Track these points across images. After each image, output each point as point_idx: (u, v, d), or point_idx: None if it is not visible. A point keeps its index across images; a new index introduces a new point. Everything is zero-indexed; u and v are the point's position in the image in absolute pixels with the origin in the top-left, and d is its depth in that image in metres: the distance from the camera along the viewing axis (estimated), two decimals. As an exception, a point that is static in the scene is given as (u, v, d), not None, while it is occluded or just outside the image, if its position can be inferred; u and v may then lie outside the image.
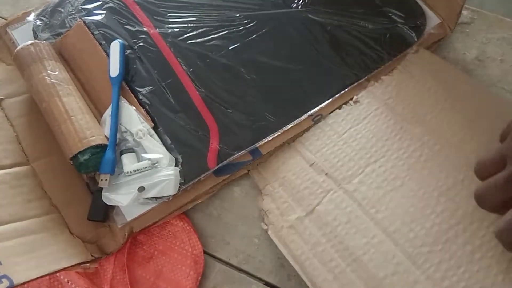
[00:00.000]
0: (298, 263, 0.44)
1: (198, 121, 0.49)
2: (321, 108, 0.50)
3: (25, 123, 0.50)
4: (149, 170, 0.46)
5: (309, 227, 0.45)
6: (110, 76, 0.50)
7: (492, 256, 0.41)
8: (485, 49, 0.53)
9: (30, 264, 0.40)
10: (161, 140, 0.48)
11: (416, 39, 0.53)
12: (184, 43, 0.53)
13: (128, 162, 0.46)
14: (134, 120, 0.48)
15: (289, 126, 0.49)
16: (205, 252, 0.46)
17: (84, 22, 0.54)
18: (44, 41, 0.52)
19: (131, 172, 0.46)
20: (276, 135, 0.48)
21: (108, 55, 0.51)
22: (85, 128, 0.46)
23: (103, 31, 0.53)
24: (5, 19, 0.57)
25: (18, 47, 0.50)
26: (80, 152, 0.45)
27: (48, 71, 0.49)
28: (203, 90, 0.50)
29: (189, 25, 0.54)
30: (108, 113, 0.48)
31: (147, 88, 0.50)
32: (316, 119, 0.49)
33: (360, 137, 0.49)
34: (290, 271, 0.45)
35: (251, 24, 0.54)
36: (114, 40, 0.52)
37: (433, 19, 0.53)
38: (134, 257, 0.47)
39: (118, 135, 0.47)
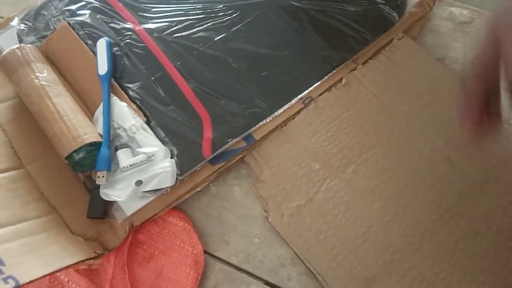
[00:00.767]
0: (301, 250, 0.45)
1: (190, 113, 0.49)
2: (311, 91, 0.50)
3: (16, 127, 0.50)
4: (145, 163, 0.46)
5: (310, 215, 0.46)
6: (98, 74, 0.50)
7: (472, 246, 0.44)
8: None
9: (34, 264, 0.40)
10: (155, 133, 0.48)
11: (398, 19, 0.54)
12: (170, 37, 0.53)
13: (124, 157, 0.46)
14: (126, 115, 0.48)
15: (281, 110, 0.49)
16: (205, 252, 0.46)
17: (69, 23, 0.54)
18: (30, 45, 0.52)
19: (127, 167, 0.46)
20: (268, 120, 0.49)
21: (95, 54, 0.51)
22: (78, 127, 0.46)
23: (88, 30, 0.53)
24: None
25: (4, 52, 0.50)
26: (75, 151, 0.45)
27: (36, 74, 0.49)
28: (193, 81, 0.51)
29: (174, 19, 0.54)
30: (99, 111, 0.48)
31: (137, 84, 0.51)
32: (306, 102, 0.50)
33: (352, 123, 0.49)
34: (290, 271, 0.45)
35: (235, 14, 0.54)
36: (100, 38, 0.52)
37: (413, -2, 0.55)
38: (135, 256, 0.47)
39: (112, 132, 0.48)
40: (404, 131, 0.49)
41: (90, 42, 0.53)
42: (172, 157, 0.47)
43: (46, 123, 0.47)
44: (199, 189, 0.48)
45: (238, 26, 0.54)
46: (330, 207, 0.46)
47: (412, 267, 0.43)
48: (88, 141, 0.45)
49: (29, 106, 0.48)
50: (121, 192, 0.45)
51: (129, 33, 0.53)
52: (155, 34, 0.53)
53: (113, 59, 0.51)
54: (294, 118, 0.50)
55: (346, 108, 0.50)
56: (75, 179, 0.48)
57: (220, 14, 0.54)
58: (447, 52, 0.53)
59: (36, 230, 0.43)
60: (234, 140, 0.48)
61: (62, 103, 0.48)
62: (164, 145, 0.47)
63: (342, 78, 0.51)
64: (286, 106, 0.49)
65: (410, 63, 0.52)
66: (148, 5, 0.55)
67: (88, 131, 0.46)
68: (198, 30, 0.53)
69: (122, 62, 0.52)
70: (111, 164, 0.46)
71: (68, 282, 0.45)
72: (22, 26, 0.55)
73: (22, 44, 0.51)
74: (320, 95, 0.51)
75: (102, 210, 0.46)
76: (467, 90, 0.33)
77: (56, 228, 0.45)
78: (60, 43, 0.53)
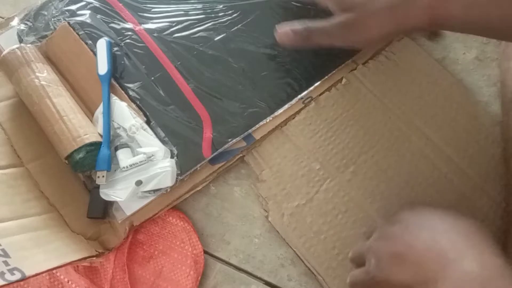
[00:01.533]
0: (301, 250, 0.45)
1: (190, 112, 0.49)
2: (311, 90, 0.50)
3: (16, 126, 0.50)
4: (145, 163, 0.46)
5: (310, 215, 0.46)
6: (98, 74, 0.50)
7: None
8: (485, 49, 0.53)
9: (39, 258, 0.40)
10: (155, 133, 0.48)
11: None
12: (170, 37, 0.53)
13: (124, 157, 0.46)
14: (126, 115, 0.48)
15: (281, 110, 0.49)
16: (205, 252, 0.47)
17: (69, 23, 0.54)
18: (30, 45, 0.52)
19: (127, 167, 0.46)
20: (268, 120, 0.49)
21: (95, 54, 0.51)
22: (78, 127, 0.46)
23: (88, 30, 0.53)
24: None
25: (4, 52, 0.50)
26: (75, 151, 0.45)
27: (36, 73, 0.49)
28: (193, 81, 0.51)
29: (174, 19, 0.54)
30: (99, 111, 0.48)
31: (137, 84, 0.51)
32: (307, 102, 0.50)
33: (352, 123, 0.49)
34: (290, 271, 0.45)
35: (236, 14, 0.54)
36: (100, 38, 0.52)
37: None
38: (134, 256, 0.47)
39: (111, 132, 0.48)
40: (404, 131, 0.49)
41: (90, 42, 0.53)
42: (172, 157, 0.47)
43: (46, 123, 0.47)
44: (199, 189, 0.48)
45: (238, 26, 0.54)
46: (330, 207, 0.46)
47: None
48: (88, 141, 0.45)
49: (29, 106, 0.48)
50: (121, 192, 0.45)
51: (129, 33, 0.53)
52: (155, 34, 0.53)
53: (113, 59, 0.51)
54: (294, 118, 0.50)
55: (346, 108, 0.50)
56: (75, 179, 0.48)
57: (220, 14, 0.54)
58: (447, 53, 0.53)
59: (38, 226, 0.43)
60: (234, 140, 0.48)
61: (62, 103, 0.48)
62: (164, 145, 0.47)
63: (342, 78, 0.51)
64: (286, 106, 0.49)
65: (410, 63, 0.52)
66: (148, 5, 0.55)
67: (88, 131, 0.46)
68: (198, 30, 0.53)
69: (122, 62, 0.52)
70: (111, 164, 0.46)
71: (68, 282, 0.45)
72: (22, 26, 0.55)
73: (22, 44, 0.51)
74: (320, 95, 0.51)
75: (102, 210, 0.46)
76: None
77: (57, 226, 0.45)
78: (60, 43, 0.53)
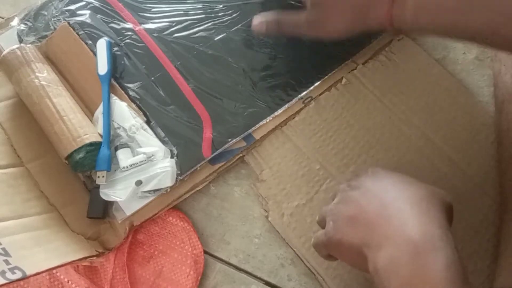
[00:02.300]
0: (301, 250, 0.45)
1: (190, 112, 0.49)
2: (311, 90, 0.50)
3: (16, 126, 0.50)
4: (145, 163, 0.46)
5: (310, 215, 0.46)
6: (98, 74, 0.50)
7: (471, 246, 0.44)
8: (485, 49, 0.53)
9: (39, 257, 0.40)
10: (155, 133, 0.48)
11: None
12: (170, 37, 0.53)
13: (124, 157, 0.46)
14: (126, 115, 0.48)
15: (281, 110, 0.49)
16: (205, 252, 0.46)
17: (69, 23, 0.54)
18: (30, 45, 0.52)
19: (127, 167, 0.46)
20: (268, 120, 0.49)
21: (95, 54, 0.51)
22: (78, 127, 0.46)
23: (88, 30, 0.53)
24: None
25: (4, 52, 0.50)
26: (75, 151, 0.45)
27: (36, 74, 0.49)
28: (193, 81, 0.51)
29: (174, 19, 0.54)
30: (99, 111, 0.48)
31: (137, 84, 0.51)
32: (307, 102, 0.50)
33: (352, 123, 0.49)
34: (290, 271, 0.45)
35: (235, 14, 0.54)
36: (100, 38, 0.52)
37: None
38: (134, 256, 0.47)
39: (111, 132, 0.48)
40: (404, 131, 0.49)
41: (90, 42, 0.53)
42: (172, 157, 0.47)
43: (46, 123, 0.47)
44: (199, 189, 0.48)
45: (238, 26, 0.54)
46: (330, 207, 0.46)
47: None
48: (88, 141, 0.45)
49: (29, 106, 0.48)
50: (121, 192, 0.45)
51: (129, 33, 0.53)
52: (155, 34, 0.53)
53: (113, 59, 0.51)
54: (294, 118, 0.50)
55: (346, 108, 0.50)
56: (75, 179, 0.48)
57: (220, 14, 0.54)
58: (447, 53, 0.53)
59: (38, 225, 0.43)
60: (234, 140, 0.48)
61: (62, 103, 0.48)
62: (164, 145, 0.47)
63: (342, 78, 0.51)
64: (286, 106, 0.49)
65: (410, 63, 0.52)
66: (148, 5, 0.55)
67: (88, 131, 0.46)
68: (198, 30, 0.53)
69: (122, 62, 0.52)
70: (111, 164, 0.46)
71: (68, 282, 0.45)
72: (22, 26, 0.55)
73: (22, 44, 0.51)
74: (320, 95, 0.51)
75: (102, 210, 0.46)
76: None
77: (57, 225, 0.45)
78: (60, 43, 0.53)
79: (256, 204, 0.48)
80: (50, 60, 0.53)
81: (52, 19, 0.55)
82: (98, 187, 0.46)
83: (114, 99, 0.49)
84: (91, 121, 0.49)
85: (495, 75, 0.51)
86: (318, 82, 0.51)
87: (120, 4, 0.55)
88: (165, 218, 0.47)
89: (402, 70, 0.52)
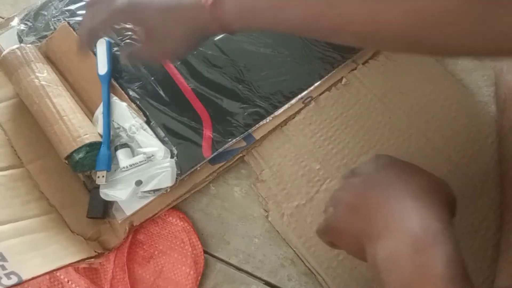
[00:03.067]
0: (301, 250, 0.44)
1: (190, 112, 0.49)
2: (311, 90, 0.50)
3: (16, 127, 0.50)
4: (145, 163, 0.46)
5: (310, 215, 0.46)
6: (98, 74, 0.50)
7: (471, 246, 0.44)
8: None
9: (36, 261, 0.40)
10: (155, 133, 0.48)
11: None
12: (170, 37, 0.53)
13: (124, 157, 0.46)
14: (126, 115, 0.48)
15: (281, 110, 0.49)
16: (205, 252, 0.46)
17: (69, 23, 0.54)
18: (30, 45, 0.52)
19: (127, 167, 0.46)
20: (268, 120, 0.49)
21: (95, 54, 0.51)
22: (78, 127, 0.46)
23: (88, 31, 0.53)
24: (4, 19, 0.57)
25: (4, 52, 0.50)
26: (75, 151, 0.45)
27: (36, 74, 0.49)
28: (193, 81, 0.51)
29: (174, 19, 0.54)
30: (99, 111, 0.48)
31: (137, 84, 0.51)
32: (307, 101, 0.50)
33: (352, 123, 0.49)
34: (290, 271, 0.45)
35: (235, 14, 0.54)
36: (100, 38, 0.52)
37: None
38: (134, 256, 0.47)
39: (111, 132, 0.48)
40: (404, 131, 0.49)
41: (90, 42, 0.53)
42: (172, 157, 0.47)
43: (46, 123, 0.47)
44: (199, 189, 0.48)
45: (238, 26, 0.53)
46: (330, 207, 0.46)
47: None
48: (88, 141, 0.45)
49: (29, 106, 0.48)
50: (121, 192, 0.45)
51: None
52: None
53: (113, 59, 0.51)
54: (294, 117, 0.50)
55: (346, 108, 0.50)
56: (75, 179, 0.48)
57: (220, 14, 0.54)
58: (447, 52, 0.53)
59: (36, 228, 0.43)
60: (234, 140, 0.48)
61: (62, 103, 0.48)
62: (164, 145, 0.47)
63: (342, 78, 0.51)
64: (286, 106, 0.49)
65: (410, 63, 0.52)
66: (148, 5, 0.55)
67: (88, 131, 0.46)
68: (198, 30, 0.53)
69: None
70: (111, 164, 0.46)
71: (68, 282, 0.45)
72: (22, 26, 0.55)
73: (22, 44, 0.51)
74: (320, 94, 0.51)
75: (101, 210, 0.46)
76: None
77: (56, 227, 0.45)
78: (60, 43, 0.53)
79: (256, 204, 0.48)
80: (50, 60, 0.53)
81: (52, 19, 0.55)
82: (98, 187, 0.46)
83: (114, 99, 0.49)
84: (91, 121, 0.49)
85: (496, 74, 0.51)
86: (318, 82, 0.51)
87: (120, 4, 0.55)
88: (165, 218, 0.47)
89: (402, 70, 0.52)
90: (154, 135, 0.48)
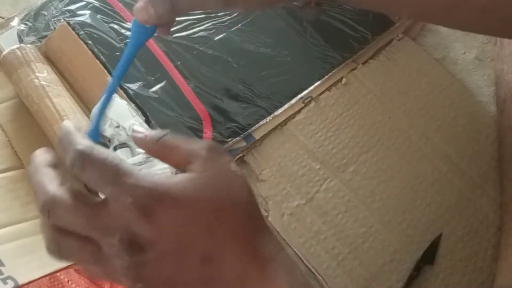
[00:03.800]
0: (301, 250, 0.44)
1: (190, 112, 0.49)
2: (311, 90, 0.50)
3: (17, 128, 0.50)
4: (145, 164, 0.46)
5: (310, 215, 0.46)
6: None
7: (471, 246, 0.44)
8: (485, 49, 0.53)
9: (33, 265, 0.40)
10: (155, 133, 0.48)
11: (398, 18, 0.53)
12: (170, 37, 0.53)
13: (123, 157, 0.46)
14: (126, 114, 0.48)
15: (281, 110, 0.49)
16: (205, 251, 0.46)
17: (68, 23, 0.54)
18: (30, 45, 0.52)
19: (127, 167, 0.46)
20: (268, 119, 0.49)
21: (95, 54, 0.51)
22: (77, 127, 0.46)
23: (88, 31, 0.53)
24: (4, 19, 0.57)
25: (4, 52, 0.50)
26: (74, 151, 0.45)
27: (36, 74, 0.48)
28: (193, 81, 0.51)
29: (174, 19, 0.54)
30: (97, 107, 0.48)
31: (137, 84, 0.51)
32: (307, 101, 0.50)
33: (352, 123, 0.49)
34: (289, 272, 0.45)
35: (235, 14, 0.54)
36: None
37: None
38: (135, 256, 0.46)
39: (111, 131, 0.47)
40: (404, 131, 0.49)
41: (90, 42, 0.53)
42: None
43: (46, 123, 0.47)
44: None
45: (238, 26, 0.54)
46: (330, 207, 0.46)
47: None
48: (88, 141, 0.45)
49: (29, 106, 0.48)
50: (121, 192, 0.45)
51: (129, 33, 0.53)
52: (155, 34, 0.53)
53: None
54: (294, 117, 0.50)
55: (346, 108, 0.50)
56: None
57: (220, 14, 0.54)
58: (447, 53, 0.53)
59: (35, 230, 0.43)
60: (234, 140, 0.48)
61: (62, 103, 0.47)
62: (164, 145, 0.47)
63: (342, 77, 0.51)
64: (286, 106, 0.49)
65: (410, 63, 0.52)
66: (148, 5, 0.55)
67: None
68: (198, 30, 0.53)
69: (122, 62, 0.52)
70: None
71: (68, 282, 0.45)
72: (22, 26, 0.55)
73: (22, 44, 0.51)
74: (320, 94, 0.51)
75: (102, 210, 0.46)
76: None
77: (56, 228, 0.45)
78: (59, 43, 0.53)
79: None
80: (50, 60, 0.53)
81: (52, 19, 0.55)
82: (98, 187, 0.46)
83: (114, 97, 0.49)
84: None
85: (496, 74, 0.51)
86: (318, 82, 0.51)
87: (120, 4, 0.55)
88: (165, 218, 0.47)
89: (402, 70, 0.52)
90: (154, 135, 0.48)
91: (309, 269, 0.44)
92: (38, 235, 0.43)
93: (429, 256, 0.43)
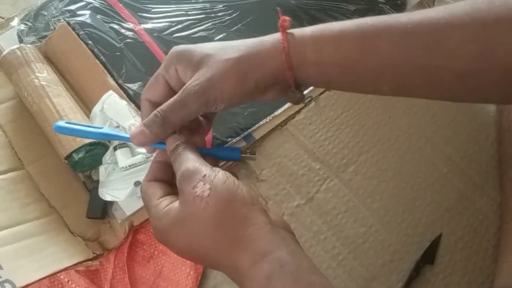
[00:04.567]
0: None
1: (190, 112, 0.49)
2: (311, 90, 0.50)
3: (17, 128, 0.50)
4: (144, 164, 0.46)
5: (310, 215, 0.46)
6: None
7: (471, 246, 0.44)
8: None
9: (32, 267, 0.40)
10: (155, 133, 0.48)
11: (398, 18, 0.53)
12: (170, 37, 0.53)
13: (123, 157, 0.46)
14: (126, 114, 0.48)
15: (281, 110, 0.49)
16: (205, 252, 0.46)
17: (68, 23, 0.54)
18: (30, 45, 0.52)
19: (126, 167, 0.46)
20: (268, 119, 0.49)
21: (95, 54, 0.51)
22: (77, 127, 0.46)
23: (88, 31, 0.53)
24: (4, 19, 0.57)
25: (4, 52, 0.50)
26: (74, 151, 0.45)
27: (36, 74, 0.49)
28: (193, 81, 0.51)
29: (174, 19, 0.54)
30: (98, 108, 0.48)
31: (137, 84, 0.51)
32: (307, 101, 0.50)
33: (352, 123, 0.49)
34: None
35: (235, 14, 0.54)
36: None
37: (413, -2, 0.55)
38: (134, 256, 0.47)
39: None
40: (404, 131, 0.49)
41: (90, 42, 0.53)
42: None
43: (46, 123, 0.47)
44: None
45: (238, 26, 0.54)
46: (330, 207, 0.46)
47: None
48: (87, 141, 0.45)
49: (29, 106, 0.48)
50: (120, 192, 0.45)
51: (129, 33, 0.53)
52: (155, 34, 0.53)
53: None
54: (294, 117, 0.50)
55: (346, 108, 0.50)
56: (75, 179, 0.48)
57: (220, 14, 0.54)
58: (447, 52, 0.53)
59: (34, 232, 0.43)
60: (234, 140, 0.48)
61: (62, 103, 0.48)
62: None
63: (342, 78, 0.51)
64: (286, 106, 0.49)
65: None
66: (148, 5, 0.55)
67: (88, 131, 0.46)
68: (198, 30, 0.53)
69: (123, 63, 0.52)
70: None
71: (68, 282, 0.45)
72: (22, 26, 0.55)
73: (22, 44, 0.51)
74: (320, 94, 0.51)
75: (101, 210, 0.46)
76: None
77: (56, 229, 0.45)
78: (59, 43, 0.53)
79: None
80: (50, 60, 0.53)
81: (52, 19, 0.55)
82: (98, 187, 0.46)
83: (114, 97, 0.49)
84: (91, 121, 0.49)
85: None
86: (318, 82, 0.51)
87: (120, 4, 0.55)
88: (165, 218, 0.47)
89: (402, 70, 0.52)
90: (154, 135, 0.48)
91: (309, 269, 0.44)
92: (38, 236, 0.43)
93: (429, 256, 0.43)
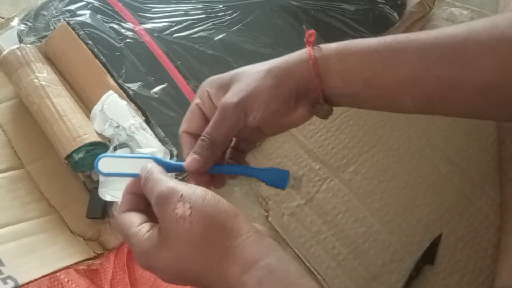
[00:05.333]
0: (301, 250, 0.44)
1: (190, 112, 0.49)
2: (311, 90, 0.50)
3: (17, 128, 0.50)
4: (145, 164, 0.46)
5: (310, 215, 0.46)
6: None
7: (471, 246, 0.44)
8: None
9: (33, 264, 0.40)
10: (155, 133, 0.48)
11: (398, 18, 0.53)
12: (170, 37, 0.53)
13: (123, 157, 0.46)
14: (126, 114, 0.48)
15: (281, 110, 0.49)
16: (205, 251, 0.46)
17: (68, 23, 0.54)
18: (30, 45, 0.52)
19: (126, 167, 0.46)
20: (268, 120, 0.49)
21: (94, 54, 0.51)
22: (77, 127, 0.46)
23: (88, 31, 0.53)
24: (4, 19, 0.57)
25: (4, 52, 0.50)
26: (74, 151, 0.45)
27: (36, 74, 0.49)
28: (193, 81, 0.51)
29: (174, 19, 0.54)
30: (98, 108, 0.48)
31: (137, 84, 0.51)
32: (307, 102, 0.50)
33: (352, 123, 0.49)
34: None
35: (235, 14, 0.54)
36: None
37: (413, -2, 0.55)
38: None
39: (111, 131, 0.47)
40: (404, 131, 0.49)
41: (90, 42, 0.53)
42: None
43: (46, 123, 0.47)
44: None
45: (238, 26, 0.54)
46: (330, 207, 0.46)
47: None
48: (87, 141, 0.45)
49: (29, 106, 0.48)
50: (120, 192, 0.44)
51: (129, 33, 0.53)
52: (155, 34, 0.53)
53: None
54: (294, 118, 0.50)
55: (346, 108, 0.50)
56: (75, 179, 0.48)
57: (220, 14, 0.54)
58: (447, 52, 0.53)
59: (35, 230, 0.43)
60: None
61: (62, 103, 0.48)
62: (164, 145, 0.47)
63: (342, 78, 0.51)
64: (286, 106, 0.49)
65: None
66: (148, 5, 0.55)
67: (87, 131, 0.46)
68: (198, 30, 0.53)
69: (122, 63, 0.52)
70: None
71: (68, 282, 0.45)
72: (22, 26, 0.55)
73: (22, 44, 0.51)
74: (320, 95, 0.51)
75: (101, 210, 0.46)
76: None
77: (56, 228, 0.45)
78: (59, 43, 0.53)
79: (256, 204, 0.48)
80: (50, 60, 0.53)
81: (52, 19, 0.55)
82: (97, 187, 0.46)
83: (114, 97, 0.49)
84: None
85: None
86: (318, 82, 0.51)
87: (120, 4, 0.55)
88: (165, 218, 0.47)
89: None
90: (153, 135, 0.48)
91: (309, 269, 0.44)
92: (39, 234, 0.43)
93: (429, 256, 0.43)
